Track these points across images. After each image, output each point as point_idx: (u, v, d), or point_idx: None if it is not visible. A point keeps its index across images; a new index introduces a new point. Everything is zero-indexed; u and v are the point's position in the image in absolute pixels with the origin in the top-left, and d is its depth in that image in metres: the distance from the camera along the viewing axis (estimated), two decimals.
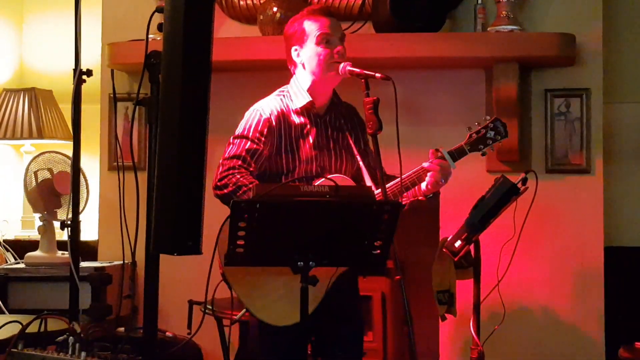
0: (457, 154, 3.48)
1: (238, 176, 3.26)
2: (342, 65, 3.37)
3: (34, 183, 4.72)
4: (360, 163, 3.50)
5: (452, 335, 4.48)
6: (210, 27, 2.58)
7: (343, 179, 3.36)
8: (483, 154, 3.61)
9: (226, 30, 4.79)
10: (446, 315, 4.05)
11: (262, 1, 4.77)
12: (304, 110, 3.46)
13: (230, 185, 3.25)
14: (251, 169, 3.33)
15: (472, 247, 3.75)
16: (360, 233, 2.81)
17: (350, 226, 2.80)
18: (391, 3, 4.35)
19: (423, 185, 3.44)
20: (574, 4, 4.59)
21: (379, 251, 2.85)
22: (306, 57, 3.45)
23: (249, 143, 3.36)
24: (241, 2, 4.84)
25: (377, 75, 3.25)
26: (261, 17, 4.65)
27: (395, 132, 3.19)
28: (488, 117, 3.59)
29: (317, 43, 3.41)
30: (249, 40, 4.63)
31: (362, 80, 3.28)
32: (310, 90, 3.46)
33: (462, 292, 4.04)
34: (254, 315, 3.21)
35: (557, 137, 4.59)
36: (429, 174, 3.40)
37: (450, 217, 4.57)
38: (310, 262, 2.80)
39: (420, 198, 3.46)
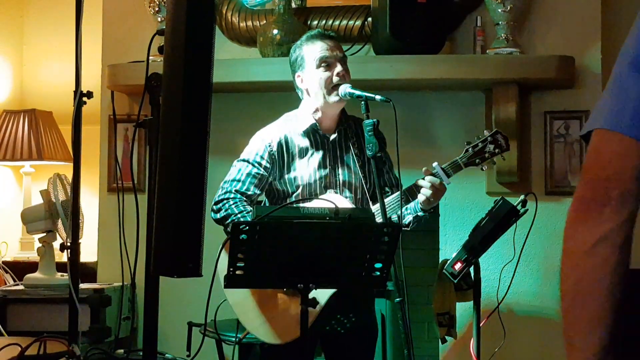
0: (451, 169, 3.41)
1: (231, 203, 3.35)
2: (342, 87, 3.39)
3: (53, 200, 4.68)
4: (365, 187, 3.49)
5: (453, 358, 4.47)
6: (210, 49, 2.58)
7: (340, 201, 3.36)
8: (482, 169, 3.53)
9: (226, 51, 4.80)
10: (446, 337, 4.04)
11: (262, 23, 4.79)
12: (309, 133, 3.48)
13: (223, 211, 3.36)
14: (249, 192, 3.39)
15: (472, 269, 3.74)
16: (360, 255, 2.80)
17: (350, 248, 2.79)
18: (391, 25, 4.36)
19: (417, 202, 3.43)
20: (573, 26, 4.60)
21: (378, 273, 2.84)
22: (308, 82, 3.47)
23: (249, 167, 3.42)
24: (241, 24, 4.86)
25: (377, 97, 3.26)
26: (261, 38, 4.66)
27: (395, 154, 3.20)
28: (489, 131, 3.52)
29: (317, 67, 3.43)
30: (249, 62, 4.65)
31: (362, 102, 3.29)
32: (316, 114, 3.48)
33: (462, 314, 4.04)
34: (252, 333, 3.26)
35: (557, 159, 4.60)
36: (421, 190, 3.38)
37: (450, 239, 4.57)
38: (310, 284, 2.79)
39: (419, 214, 3.44)
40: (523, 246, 3.80)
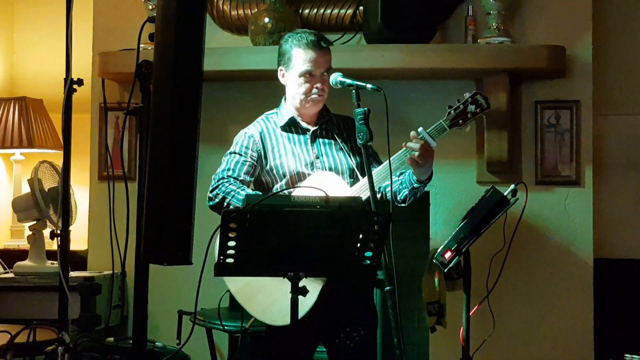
0: (436, 132, 3.44)
1: (226, 184, 3.40)
2: (332, 75, 3.41)
3: (39, 188, 4.68)
4: (357, 171, 3.51)
5: (442, 346, 4.48)
6: (201, 37, 2.58)
7: (327, 177, 3.42)
8: (465, 130, 3.52)
9: (217, 40, 4.79)
10: (436, 326, 4.05)
11: (253, 12, 4.78)
12: (290, 126, 3.55)
13: (220, 193, 3.39)
14: (240, 178, 3.45)
15: (462, 258, 3.75)
16: (350, 243, 2.80)
17: (341, 236, 2.80)
18: (382, 14, 4.36)
19: (410, 174, 3.44)
20: (564, 16, 4.60)
21: (369, 262, 2.84)
22: (289, 84, 3.54)
23: (236, 156, 3.50)
24: (232, 13, 4.85)
25: (368, 85, 3.27)
26: (252, 27, 4.65)
27: (385, 143, 3.20)
28: (469, 93, 3.55)
29: (299, 76, 3.47)
30: (240, 50, 4.64)
31: (353, 91, 3.29)
32: (295, 109, 3.55)
33: (452, 303, 4.05)
34: (254, 316, 3.32)
35: (547, 148, 4.60)
36: (408, 154, 3.39)
37: (440, 228, 4.58)
38: (301, 273, 2.80)
39: (414, 185, 3.44)
40: (513, 235, 3.81)
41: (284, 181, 3.47)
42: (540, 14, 4.64)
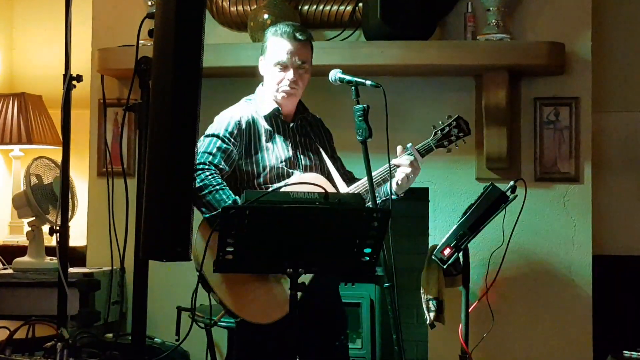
0: (424, 150, 3.55)
1: (207, 174, 3.28)
2: (332, 72, 3.40)
3: (28, 185, 4.68)
4: (331, 166, 3.53)
5: (441, 343, 4.48)
6: (200, 33, 2.58)
7: (316, 177, 3.40)
8: (448, 151, 3.65)
9: (217, 36, 4.79)
10: (435, 322, 4.05)
11: (252, 8, 4.77)
12: (272, 117, 3.52)
13: (198, 180, 3.26)
14: (220, 166, 3.35)
15: (461, 254, 3.75)
16: (349, 240, 2.81)
17: (340, 233, 2.80)
18: (382, 10, 4.36)
19: (394, 181, 3.46)
20: (564, 13, 4.60)
21: (368, 258, 2.85)
22: (265, 72, 3.54)
23: (219, 141, 3.39)
24: (232, 9, 4.84)
25: (367, 82, 3.27)
26: (252, 23, 4.65)
27: (385, 139, 3.21)
28: (451, 116, 3.66)
29: (274, 65, 3.47)
30: (239, 46, 4.63)
31: (352, 87, 3.29)
32: (274, 101, 3.53)
33: (451, 299, 4.05)
34: (236, 314, 3.25)
35: (546, 145, 4.60)
36: (398, 169, 3.45)
37: (440, 225, 4.58)
38: (300, 269, 2.80)
39: (393, 197, 3.46)
40: (512, 232, 3.81)
41: (262, 175, 3.42)
42: (539, 10, 4.63)
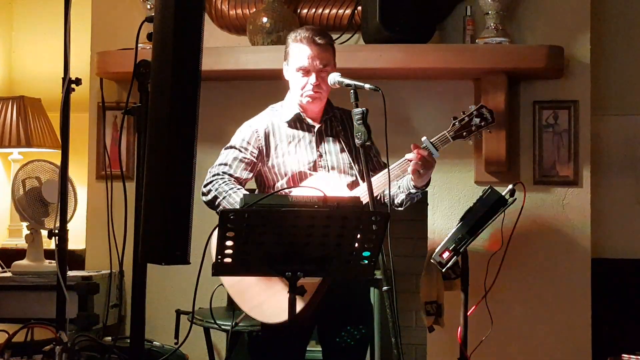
0: (440, 143, 3.44)
1: (220, 182, 3.41)
2: (331, 75, 3.41)
3: (21, 191, 4.71)
4: (355, 170, 3.51)
5: (440, 346, 4.48)
6: (199, 36, 2.58)
7: (327, 177, 3.42)
8: (469, 142, 3.55)
9: (215, 40, 4.79)
10: (434, 326, 4.05)
11: (251, 11, 4.78)
12: (295, 122, 3.53)
13: (213, 191, 3.40)
14: (236, 175, 3.45)
15: (460, 258, 3.75)
16: (348, 243, 2.80)
17: (339, 236, 2.79)
18: (381, 14, 4.36)
19: (407, 178, 3.44)
20: (563, 16, 4.61)
21: (366, 261, 2.84)
22: (289, 77, 3.55)
23: (235, 152, 3.49)
24: (231, 12, 4.84)
25: (366, 85, 3.26)
26: (251, 27, 4.65)
27: (384, 143, 3.21)
28: (474, 106, 3.54)
29: (296, 70, 3.48)
30: (238, 50, 4.64)
31: (351, 91, 3.29)
32: (299, 105, 3.53)
33: (449, 302, 4.05)
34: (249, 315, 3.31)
35: (545, 148, 4.61)
36: (411, 163, 3.39)
37: (438, 228, 4.58)
38: (298, 272, 2.79)
39: (411, 190, 3.45)
40: (511, 235, 3.81)
41: (284, 180, 3.46)
42: (538, 14, 4.64)
